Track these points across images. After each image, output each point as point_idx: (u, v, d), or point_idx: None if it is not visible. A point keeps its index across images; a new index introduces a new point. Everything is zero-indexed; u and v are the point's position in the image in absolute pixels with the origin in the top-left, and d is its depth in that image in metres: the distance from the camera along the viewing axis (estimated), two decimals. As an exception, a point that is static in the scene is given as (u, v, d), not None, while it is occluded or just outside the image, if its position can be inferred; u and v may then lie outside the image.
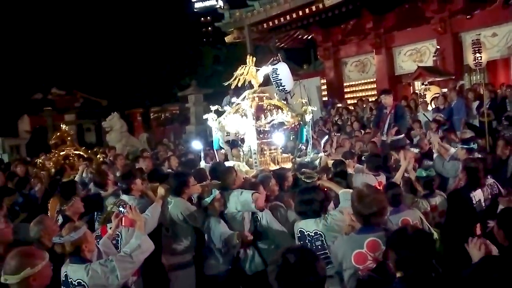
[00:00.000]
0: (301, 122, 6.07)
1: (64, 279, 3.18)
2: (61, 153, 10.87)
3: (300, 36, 18.78)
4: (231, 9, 16.85)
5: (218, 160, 6.48)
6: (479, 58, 10.34)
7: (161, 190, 4.58)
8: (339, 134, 9.72)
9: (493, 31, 13.36)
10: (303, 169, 5.07)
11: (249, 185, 4.66)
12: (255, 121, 5.68)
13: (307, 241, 3.74)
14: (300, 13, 14.44)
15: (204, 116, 6.32)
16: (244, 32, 16.16)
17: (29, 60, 28.45)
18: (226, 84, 6.14)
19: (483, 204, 4.82)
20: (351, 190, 4.05)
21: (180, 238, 4.49)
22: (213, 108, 6.19)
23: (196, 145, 7.56)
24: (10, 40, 28.29)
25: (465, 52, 13.34)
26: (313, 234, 3.68)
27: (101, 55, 31.48)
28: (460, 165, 5.33)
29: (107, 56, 31.57)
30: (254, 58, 6.12)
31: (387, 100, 8.58)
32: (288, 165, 5.83)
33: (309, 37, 18.73)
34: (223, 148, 6.60)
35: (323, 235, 3.61)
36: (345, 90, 17.97)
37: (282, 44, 19.22)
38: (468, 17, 13.52)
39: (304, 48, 21.33)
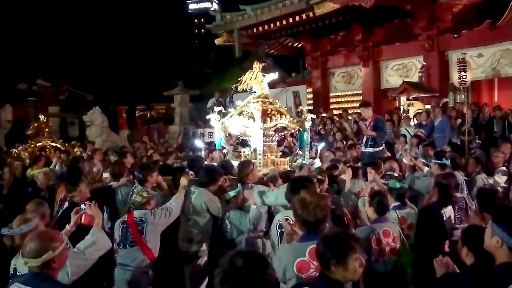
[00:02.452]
0: (301, 128, 6.54)
1: (13, 272, 3.08)
2: (38, 144, 10.71)
3: (290, 44, 18.82)
4: (223, 12, 16.84)
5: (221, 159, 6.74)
6: (464, 77, 10.46)
7: (184, 181, 4.71)
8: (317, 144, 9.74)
9: (479, 51, 13.50)
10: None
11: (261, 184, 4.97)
12: (262, 124, 6.02)
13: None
14: (290, 20, 14.48)
15: (208, 116, 6.75)
16: (234, 35, 16.13)
17: (16, 48, 28.12)
18: (234, 86, 6.49)
19: (453, 220, 4.85)
20: None
21: (200, 227, 4.68)
22: (216, 109, 6.67)
23: (198, 143, 7.88)
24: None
25: (450, 70, 13.48)
26: None
27: (89, 50, 31.28)
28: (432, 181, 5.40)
29: (95, 51, 31.39)
30: (261, 65, 6.50)
31: (366, 113, 8.67)
32: (286, 168, 6.17)
33: (298, 46, 18.76)
34: (225, 148, 6.90)
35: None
36: (331, 100, 18.00)
37: (272, 51, 19.25)
38: (455, 36, 13.68)
39: (294, 57, 21.38)
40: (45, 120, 11.77)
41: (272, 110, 6.28)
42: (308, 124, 6.54)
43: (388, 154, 8.59)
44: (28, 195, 6.01)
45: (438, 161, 5.99)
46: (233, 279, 1.94)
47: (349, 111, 15.29)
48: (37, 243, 2.65)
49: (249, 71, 6.42)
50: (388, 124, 11.50)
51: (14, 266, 3.08)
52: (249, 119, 6.12)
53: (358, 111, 14.94)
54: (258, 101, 6.21)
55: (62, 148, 10.59)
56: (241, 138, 7.17)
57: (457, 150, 9.18)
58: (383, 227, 4.10)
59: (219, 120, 6.48)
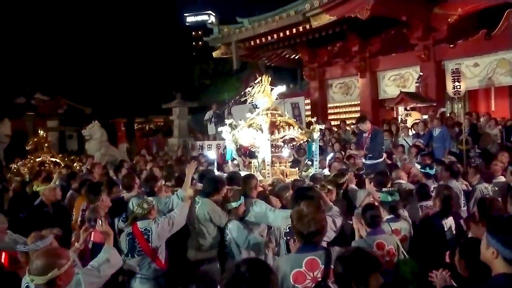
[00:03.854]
0: (309, 139, 6.77)
1: (24, 290, 3.07)
2: (37, 159, 10.71)
3: (287, 56, 18.93)
4: (220, 25, 16.96)
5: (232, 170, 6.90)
6: (458, 87, 10.55)
7: (190, 191, 4.95)
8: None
9: (475, 61, 13.58)
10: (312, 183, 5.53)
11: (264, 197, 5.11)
12: (270, 136, 6.19)
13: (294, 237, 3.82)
14: (287, 32, 14.54)
15: (219, 129, 6.93)
16: (231, 48, 16.23)
17: (14, 63, 28.14)
18: (243, 99, 6.67)
19: (454, 231, 4.86)
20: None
21: (206, 236, 4.81)
22: (228, 121, 6.82)
23: (211, 155, 8.05)
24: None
25: (447, 80, 13.56)
26: None
27: (87, 63, 31.33)
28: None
29: (93, 64, 31.44)
30: (270, 78, 6.65)
31: (363, 127, 8.77)
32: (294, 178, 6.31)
33: (296, 57, 18.87)
34: (235, 159, 7.10)
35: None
36: (329, 111, 18.05)
37: (269, 63, 19.34)
38: (451, 46, 13.77)
39: (291, 68, 21.46)
40: (44, 135, 11.78)
41: (280, 122, 6.45)
42: (316, 135, 6.71)
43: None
44: (32, 209, 6.03)
45: (422, 170, 6.24)
46: (237, 282, 2.06)
47: (347, 122, 15.36)
48: (43, 261, 2.67)
49: (257, 84, 6.55)
50: (386, 134, 11.57)
51: (26, 284, 3.05)
52: (257, 131, 6.30)
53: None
54: (267, 114, 6.38)
55: (61, 163, 10.60)
56: (251, 149, 7.30)
57: (456, 160, 9.24)
58: (377, 239, 4.12)
59: (230, 132, 6.65)
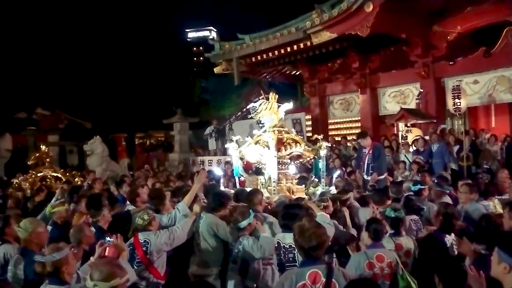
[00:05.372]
0: (316, 156, 6.78)
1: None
2: (39, 174, 10.73)
3: (288, 72, 19.04)
4: (222, 41, 17.11)
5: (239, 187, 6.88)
6: (459, 104, 10.61)
7: (196, 208, 5.01)
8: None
9: (474, 78, 13.68)
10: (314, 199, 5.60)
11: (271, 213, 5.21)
12: (276, 153, 6.23)
13: (281, 251, 4.19)
14: (288, 49, 14.66)
15: (226, 145, 7.00)
16: (232, 64, 16.35)
17: (15, 77, 28.33)
18: (250, 117, 6.72)
19: (455, 248, 4.87)
20: (327, 215, 4.68)
21: (209, 252, 4.83)
22: (234, 138, 6.90)
23: (217, 171, 8.23)
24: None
25: (447, 97, 13.64)
26: (288, 247, 4.09)
27: (88, 77, 31.54)
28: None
29: (94, 79, 31.65)
30: (277, 95, 6.71)
31: (364, 143, 8.84)
32: (301, 195, 6.32)
33: (296, 73, 18.98)
34: (242, 176, 7.04)
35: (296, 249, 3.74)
36: (330, 127, 18.09)
37: (270, 79, 19.48)
38: (450, 63, 13.87)
39: (291, 84, 21.57)
40: (46, 150, 11.80)
41: (287, 139, 6.51)
42: (323, 152, 6.75)
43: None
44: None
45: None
46: None
47: (348, 138, 15.41)
48: (108, 268, 2.80)
49: (263, 101, 6.61)
50: (387, 150, 11.60)
51: None
52: (264, 148, 6.36)
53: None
54: (274, 131, 6.44)
55: (63, 178, 10.61)
56: (258, 166, 7.36)
57: (457, 177, 9.25)
58: (377, 252, 4.14)
59: (236, 149, 6.70)
